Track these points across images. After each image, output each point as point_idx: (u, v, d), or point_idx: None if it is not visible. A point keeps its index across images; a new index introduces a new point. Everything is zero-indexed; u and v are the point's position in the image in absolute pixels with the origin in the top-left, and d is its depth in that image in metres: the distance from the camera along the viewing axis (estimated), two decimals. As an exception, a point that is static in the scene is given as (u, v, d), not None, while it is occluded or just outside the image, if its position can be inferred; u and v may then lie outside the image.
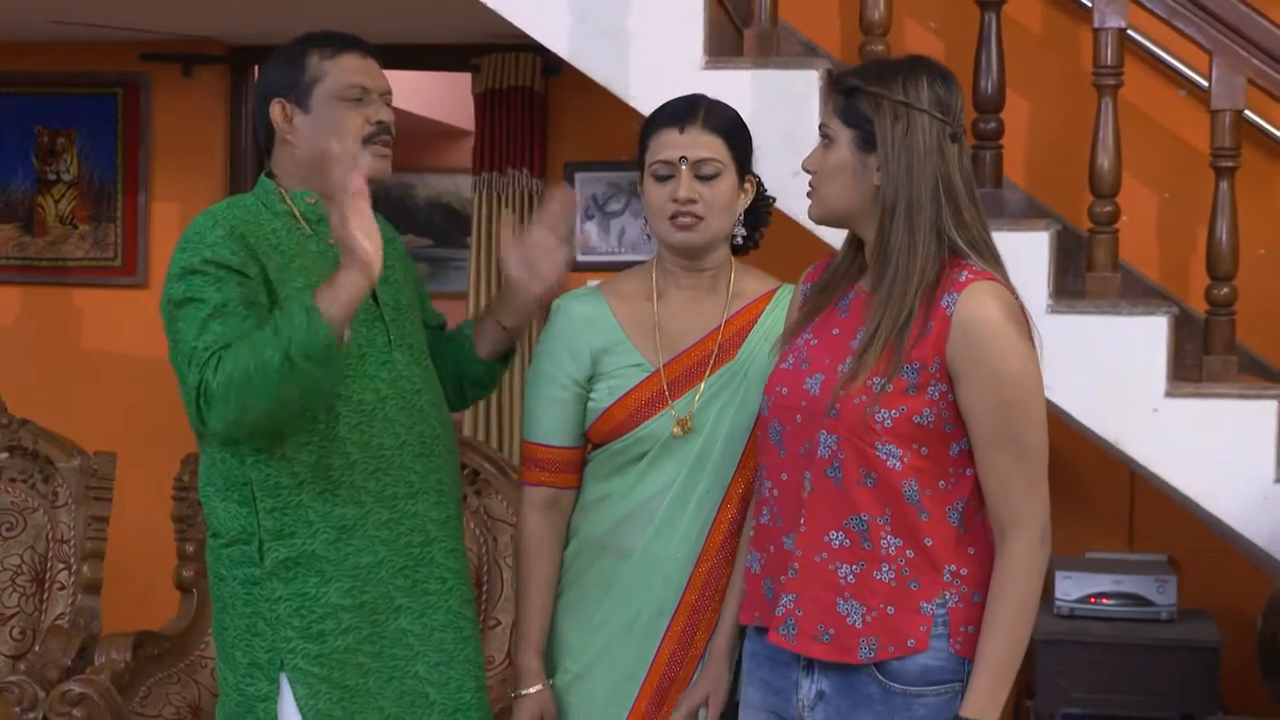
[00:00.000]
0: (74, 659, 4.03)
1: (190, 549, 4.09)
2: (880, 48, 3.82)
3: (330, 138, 2.82)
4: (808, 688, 2.56)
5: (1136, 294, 4.10)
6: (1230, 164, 3.79)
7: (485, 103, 5.47)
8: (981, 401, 2.45)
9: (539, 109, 5.44)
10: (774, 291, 2.91)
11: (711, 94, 2.90)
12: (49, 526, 4.31)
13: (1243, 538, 3.73)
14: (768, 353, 2.77)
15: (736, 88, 3.57)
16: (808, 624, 2.52)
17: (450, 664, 2.87)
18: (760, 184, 2.91)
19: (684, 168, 2.79)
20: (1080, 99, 4.15)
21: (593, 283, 3.02)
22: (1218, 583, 4.57)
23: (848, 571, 2.50)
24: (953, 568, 2.50)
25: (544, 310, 3.01)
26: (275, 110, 2.86)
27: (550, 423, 2.89)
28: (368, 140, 2.83)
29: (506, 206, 5.43)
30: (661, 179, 2.81)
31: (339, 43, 2.87)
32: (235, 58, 5.64)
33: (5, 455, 4.36)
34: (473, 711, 2.89)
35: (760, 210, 2.92)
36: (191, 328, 2.67)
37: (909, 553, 2.48)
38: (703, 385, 2.84)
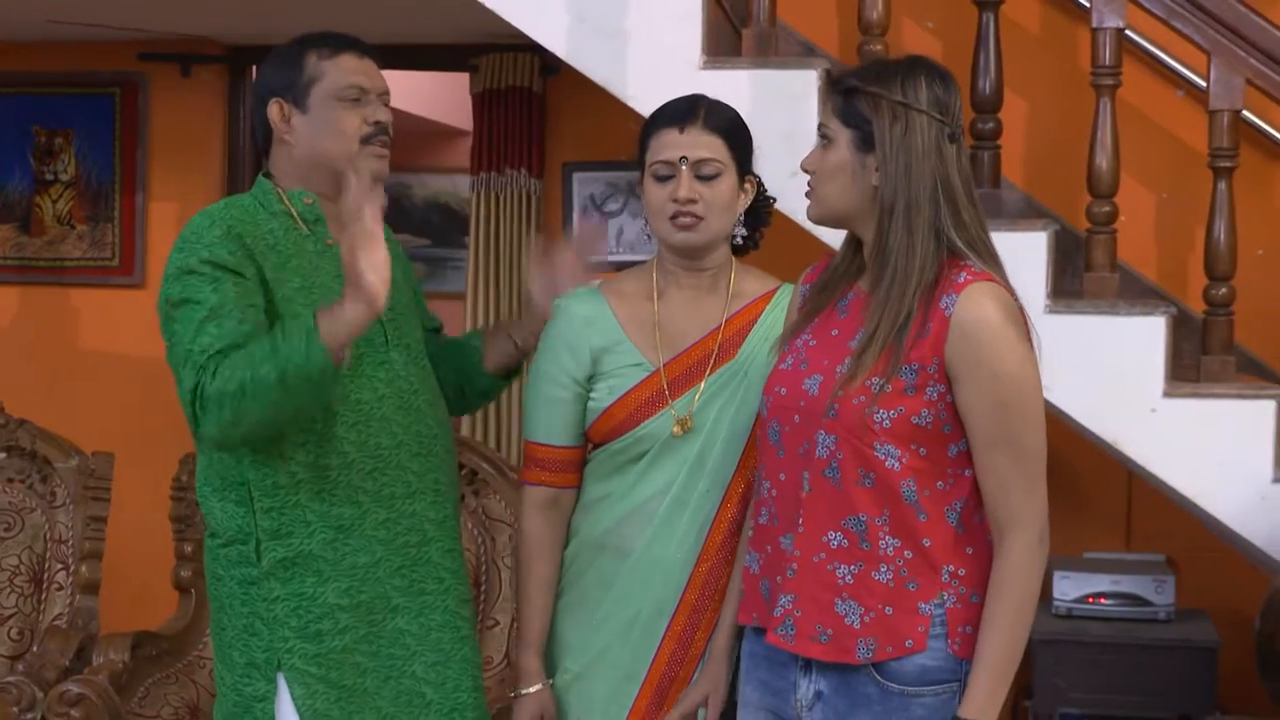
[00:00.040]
0: (72, 659, 4.03)
1: (188, 549, 4.09)
2: (878, 48, 3.82)
3: (328, 138, 2.82)
4: (806, 688, 2.56)
5: (1134, 294, 4.10)
6: (1228, 164, 3.79)
7: (483, 103, 5.47)
8: (980, 402, 2.45)
9: (537, 109, 5.45)
10: (774, 291, 2.91)
11: (709, 94, 2.90)
12: (47, 527, 4.31)
13: (1241, 538, 3.73)
14: (767, 353, 2.77)
15: (734, 88, 3.56)
16: (806, 624, 2.52)
17: (447, 663, 2.87)
18: (761, 184, 2.91)
19: (684, 168, 2.79)
20: (1078, 99, 4.15)
21: (592, 282, 3.02)
22: (1216, 583, 4.57)
23: (846, 572, 2.50)
24: (951, 568, 2.50)
25: None
26: (273, 110, 2.85)
27: (550, 422, 2.89)
28: (365, 140, 2.83)
29: (504, 207, 5.43)
30: (662, 179, 2.81)
31: (337, 43, 2.87)
32: (233, 57, 5.64)
33: (3, 455, 4.36)
34: (469, 711, 2.89)
35: (761, 210, 2.92)
36: (188, 329, 2.67)
37: (907, 553, 2.48)
38: (703, 385, 2.84)
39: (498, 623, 4.02)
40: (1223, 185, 3.81)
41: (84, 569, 4.22)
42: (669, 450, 2.82)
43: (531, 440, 2.91)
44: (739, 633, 2.75)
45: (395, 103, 2.96)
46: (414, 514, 2.85)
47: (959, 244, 2.49)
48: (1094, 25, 3.78)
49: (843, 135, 2.54)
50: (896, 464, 2.47)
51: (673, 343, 2.86)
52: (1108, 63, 3.77)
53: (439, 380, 3.01)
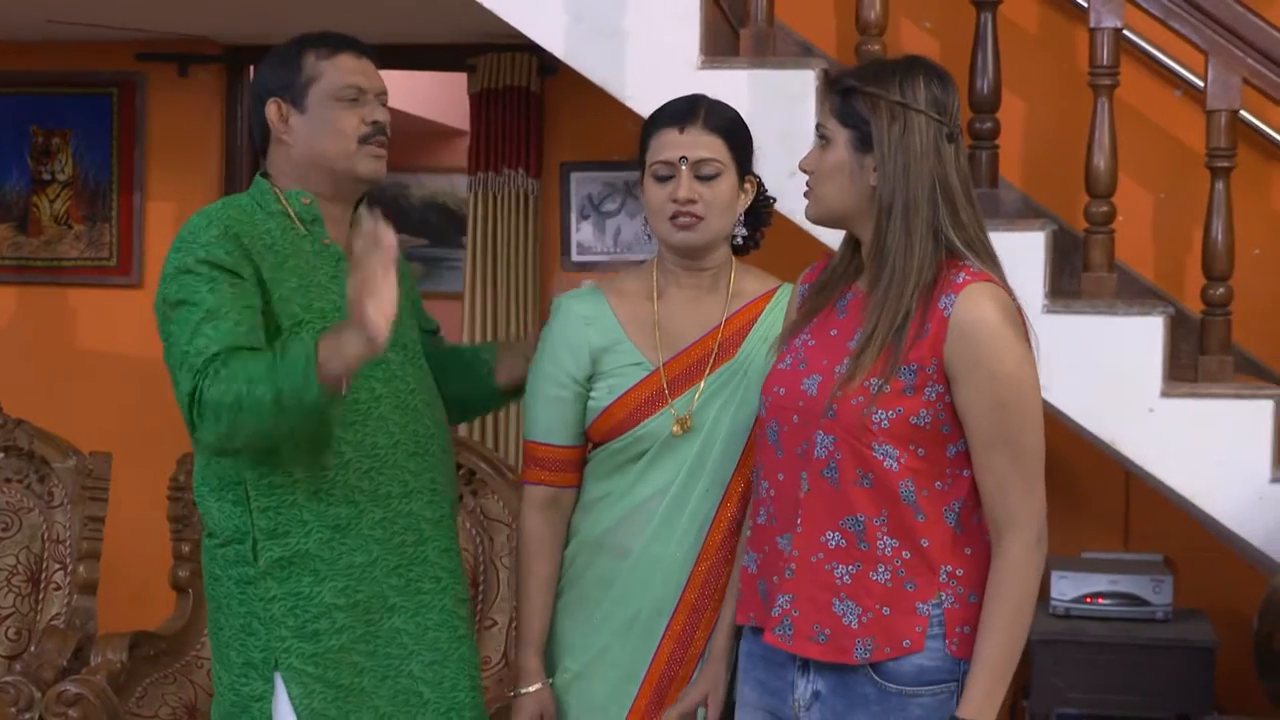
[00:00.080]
0: (70, 659, 4.02)
1: (186, 549, 4.09)
2: (876, 47, 3.81)
3: (326, 137, 2.82)
4: (803, 688, 2.56)
5: (1132, 294, 4.10)
6: (1226, 164, 3.80)
7: (481, 102, 5.47)
8: (978, 403, 2.45)
9: (535, 109, 5.45)
10: (774, 291, 2.91)
11: (708, 94, 2.90)
12: (44, 527, 4.30)
13: (1238, 537, 3.73)
14: (766, 352, 2.77)
15: (732, 88, 3.56)
16: (804, 624, 2.52)
17: (444, 663, 2.87)
18: (761, 184, 2.91)
19: (684, 168, 2.79)
20: (1076, 99, 4.15)
21: (591, 281, 3.02)
22: (1213, 582, 4.57)
23: (844, 572, 2.50)
24: (949, 568, 2.50)
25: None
26: (271, 110, 2.85)
27: (550, 422, 2.89)
28: (363, 140, 2.83)
29: (502, 206, 5.43)
30: (662, 179, 2.81)
31: (335, 43, 2.86)
32: (231, 57, 5.64)
33: (1, 455, 4.35)
34: (467, 710, 2.89)
35: (761, 210, 2.92)
36: (184, 331, 2.67)
37: (905, 553, 2.48)
38: (702, 384, 2.84)
39: (496, 622, 4.02)
40: (1220, 185, 3.81)
41: (82, 569, 4.21)
42: (669, 449, 2.82)
43: (531, 440, 2.91)
44: (738, 632, 2.75)
45: (393, 102, 2.96)
46: (410, 513, 2.85)
47: (957, 244, 2.49)
48: (1092, 25, 3.79)
49: (841, 135, 2.54)
50: (895, 464, 2.47)
51: (672, 342, 2.86)
52: (1105, 63, 3.78)
53: (442, 389, 3.02)
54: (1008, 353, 2.46)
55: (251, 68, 5.50)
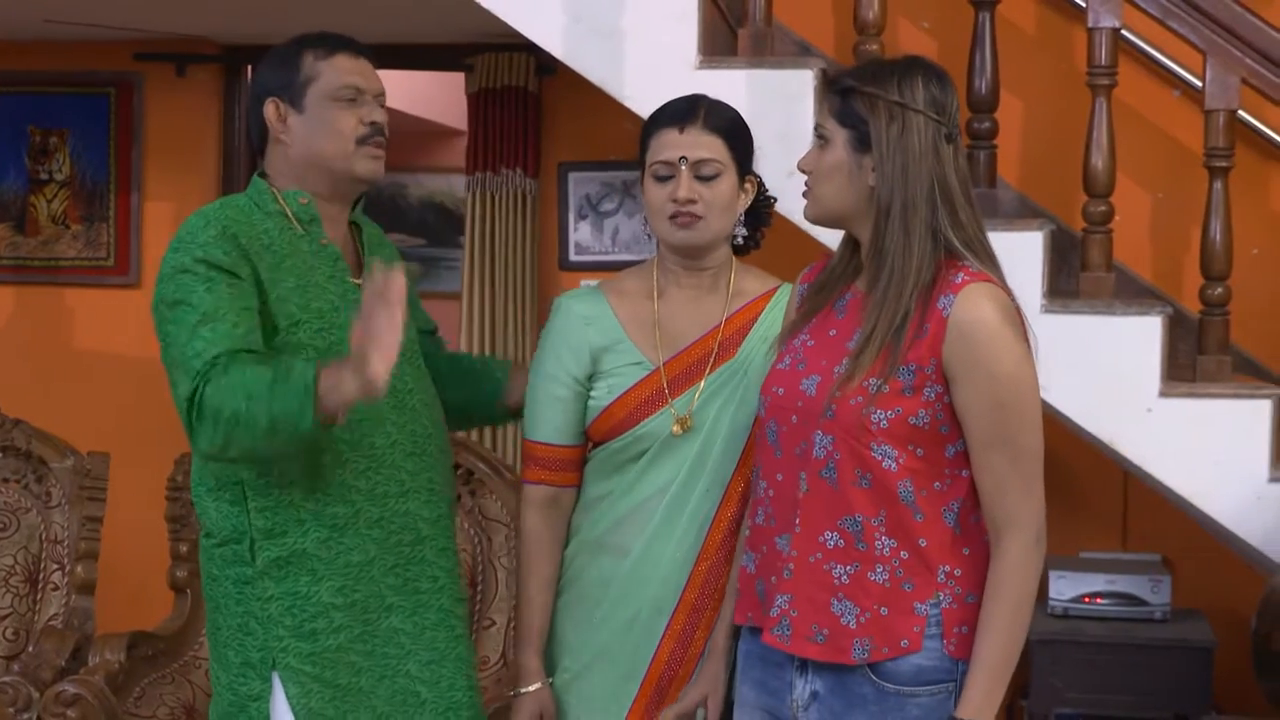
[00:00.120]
0: (68, 659, 4.02)
1: (184, 549, 4.08)
2: (874, 47, 3.81)
3: (324, 138, 2.82)
4: (801, 688, 2.56)
5: (1130, 294, 4.11)
6: (1224, 164, 3.80)
7: (479, 102, 5.47)
8: (977, 403, 2.45)
9: (533, 109, 5.44)
10: (774, 290, 2.91)
11: (706, 94, 2.89)
12: (42, 527, 4.30)
13: (1236, 537, 3.73)
14: (766, 352, 2.77)
15: (731, 87, 3.56)
16: (802, 624, 2.52)
17: (442, 662, 2.87)
18: (761, 184, 2.91)
19: (684, 168, 2.79)
20: (1074, 99, 4.15)
21: (592, 282, 3.02)
22: (1211, 582, 4.57)
23: (842, 572, 2.50)
24: (947, 568, 2.50)
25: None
26: (269, 110, 2.85)
27: (551, 421, 2.89)
28: (361, 141, 2.83)
29: (500, 206, 5.43)
30: (661, 179, 2.81)
31: (334, 43, 2.86)
32: (228, 57, 5.63)
33: (-1, 455, 4.36)
34: (464, 710, 2.89)
35: (762, 210, 2.92)
36: (182, 332, 2.67)
37: (903, 554, 2.48)
38: (702, 384, 2.84)
39: (494, 623, 4.02)
40: (1218, 185, 3.81)
41: (80, 569, 4.21)
42: (668, 449, 2.82)
43: (531, 439, 2.91)
44: (737, 632, 2.75)
45: (390, 102, 2.96)
46: (407, 513, 2.85)
47: (956, 244, 2.49)
48: (1090, 25, 3.79)
49: (839, 135, 2.54)
50: (894, 464, 2.47)
51: (673, 342, 2.86)
52: (1103, 62, 3.78)
53: (444, 395, 3.02)
54: (1006, 353, 2.46)
55: (249, 68, 5.49)
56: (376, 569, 2.81)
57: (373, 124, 2.85)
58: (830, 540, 2.50)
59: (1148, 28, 4.14)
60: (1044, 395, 2.62)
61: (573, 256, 5.49)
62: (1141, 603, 4.28)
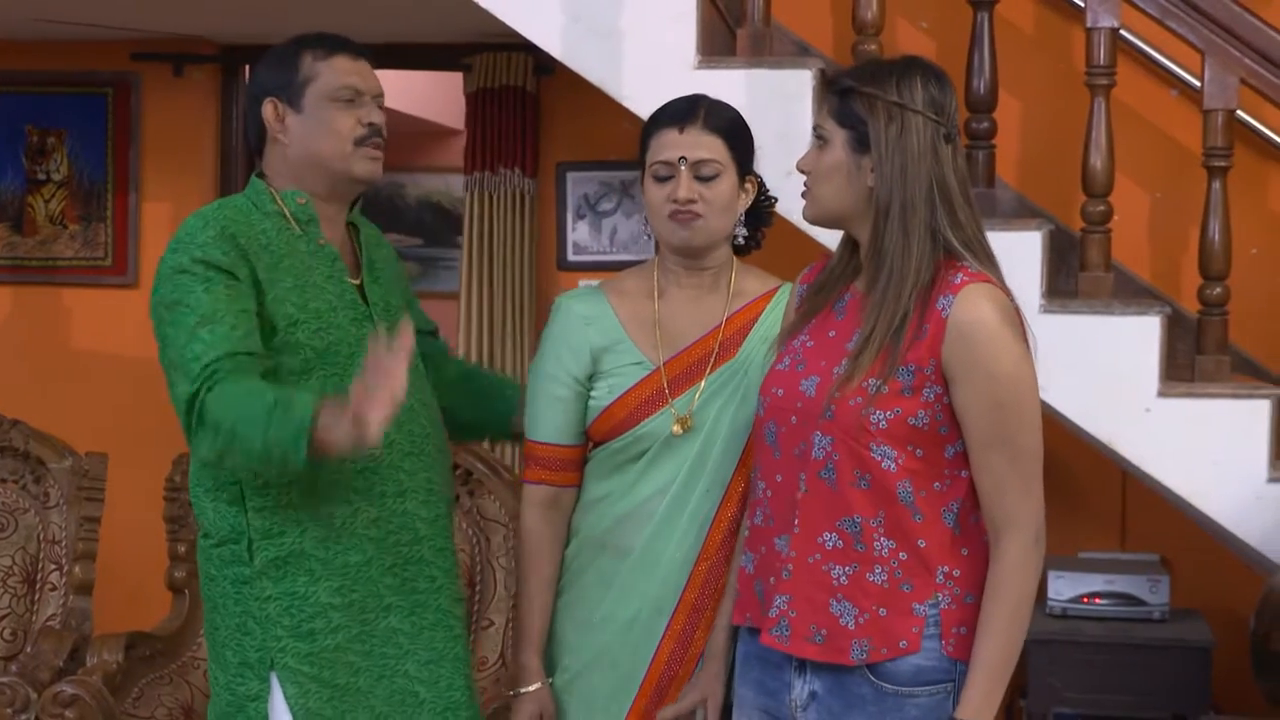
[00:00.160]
0: (66, 660, 4.02)
1: (182, 549, 4.08)
2: (873, 47, 3.82)
3: (322, 138, 2.82)
4: (800, 688, 2.56)
5: (1129, 294, 4.10)
6: (1223, 164, 3.80)
7: (477, 102, 5.46)
8: (976, 403, 2.45)
9: (531, 108, 5.44)
10: (775, 290, 2.91)
11: (706, 94, 2.89)
12: (40, 527, 4.30)
13: (1235, 537, 3.73)
14: (766, 352, 2.77)
15: (729, 87, 3.56)
16: (800, 625, 2.52)
17: (440, 662, 2.87)
18: (762, 184, 2.90)
19: (683, 168, 2.79)
20: (1073, 99, 4.15)
21: (592, 282, 3.01)
22: (1210, 582, 4.57)
23: (840, 573, 2.50)
24: (945, 569, 2.49)
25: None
26: (267, 110, 2.85)
27: (551, 421, 2.89)
28: (359, 142, 2.83)
29: (498, 206, 5.43)
30: (661, 179, 2.81)
31: (332, 44, 2.86)
32: (226, 57, 5.63)
33: (-3, 456, 4.36)
34: (463, 710, 2.89)
35: (762, 210, 2.92)
36: (180, 334, 2.67)
37: (902, 554, 2.48)
38: (703, 384, 2.83)
39: (493, 623, 4.01)
40: (1217, 185, 3.81)
41: (77, 569, 4.21)
42: (669, 449, 2.82)
43: (532, 439, 2.91)
44: (736, 633, 2.75)
45: (389, 102, 2.96)
46: (405, 513, 2.85)
47: (955, 244, 2.49)
48: (1088, 25, 3.79)
49: (838, 135, 2.54)
50: (893, 465, 2.47)
51: (673, 341, 2.86)
52: (1102, 62, 3.78)
53: (457, 414, 3.04)
54: (1005, 353, 2.46)
55: (247, 68, 5.49)
56: (374, 569, 2.81)
57: (371, 125, 2.84)
58: (829, 541, 2.50)
59: (1146, 28, 4.14)
60: (1043, 395, 2.62)
61: (571, 256, 5.49)
62: (1140, 603, 4.28)
